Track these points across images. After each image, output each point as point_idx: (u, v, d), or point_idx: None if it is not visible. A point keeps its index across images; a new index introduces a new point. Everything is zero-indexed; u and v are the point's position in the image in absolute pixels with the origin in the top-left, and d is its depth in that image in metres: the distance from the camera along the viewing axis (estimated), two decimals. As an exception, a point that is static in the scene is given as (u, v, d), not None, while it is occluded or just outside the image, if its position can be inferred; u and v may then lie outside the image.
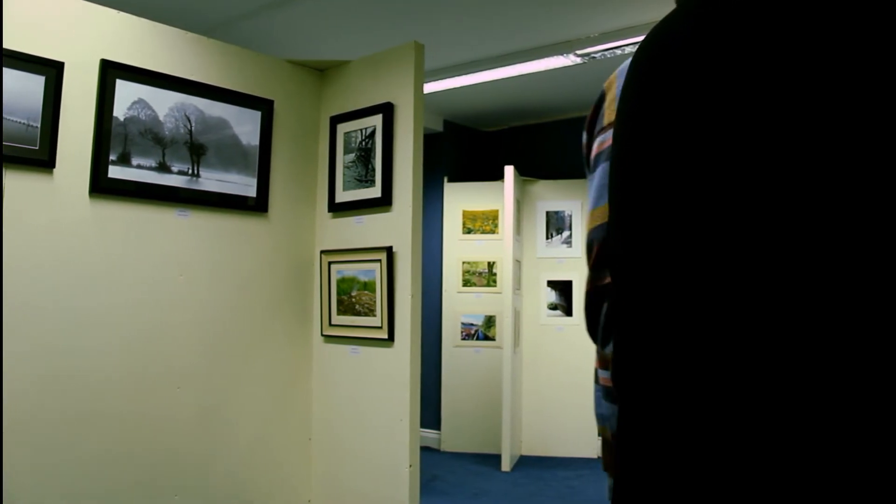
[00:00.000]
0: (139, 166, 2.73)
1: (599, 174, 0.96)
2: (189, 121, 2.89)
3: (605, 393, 0.97)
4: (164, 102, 2.81)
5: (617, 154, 0.72)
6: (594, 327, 0.96)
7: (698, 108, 0.59)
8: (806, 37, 0.51)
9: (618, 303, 0.72)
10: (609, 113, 0.98)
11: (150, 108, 2.76)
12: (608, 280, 0.91)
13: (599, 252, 0.93)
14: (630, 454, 0.69)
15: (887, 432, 0.46)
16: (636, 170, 0.68)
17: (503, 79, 5.20)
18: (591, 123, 1.03)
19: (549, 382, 5.98)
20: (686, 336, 0.59)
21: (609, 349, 0.91)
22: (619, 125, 0.73)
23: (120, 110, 2.68)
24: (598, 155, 0.98)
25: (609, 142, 0.95)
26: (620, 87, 0.98)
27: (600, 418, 1.01)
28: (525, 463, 5.81)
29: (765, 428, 0.53)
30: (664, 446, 0.63)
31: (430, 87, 5.29)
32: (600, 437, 1.03)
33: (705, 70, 0.59)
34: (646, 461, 0.66)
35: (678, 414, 0.61)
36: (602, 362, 0.97)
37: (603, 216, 0.93)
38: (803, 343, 0.50)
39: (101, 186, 2.62)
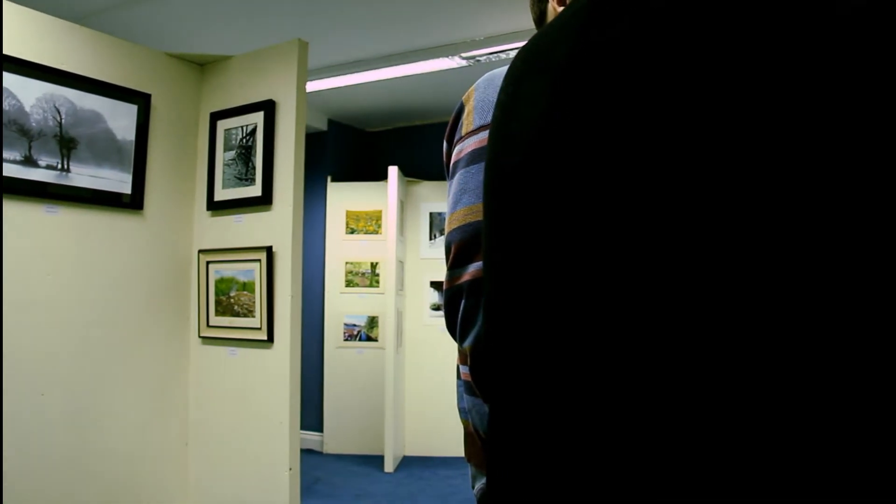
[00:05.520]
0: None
1: (457, 180, 1.03)
2: (59, 113, 2.76)
3: (466, 387, 1.01)
4: (30, 92, 2.67)
5: (489, 156, 0.75)
6: (453, 324, 1.01)
7: (563, 117, 0.61)
8: (688, 53, 0.53)
9: (488, 294, 0.75)
10: (467, 123, 1.04)
11: (14, 97, 2.62)
12: (465, 278, 0.96)
13: (457, 252, 0.99)
14: (499, 452, 0.71)
15: (743, 427, 0.49)
16: (505, 171, 0.70)
17: (388, 79, 5.20)
18: (451, 133, 1.10)
19: (433, 383, 6.02)
20: (557, 334, 0.61)
21: (467, 344, 0.95)
22: (492, 128, 0.76)
23: (-19, 100, 2.53)
24: (457, 163, 1.04)
25: (466, 150, 1.02)
26: (478, 100, 1.04)
27: (462, 412, 1.06)
28: (408, 463, 5.83)
29: (627, 426, 0.55)
30: (531, 444, 0.65)
31: (314, 86, 5.24)
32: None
33: (576, 77, 0.61)
34: (514, 459, 0.68)
35: (544, 411, 0.63)
36: (462, 358, 1.01)
37: (460, 219, 0.99)
38: (671, 344, 0.52)
39: (-40, 180, 2.48)
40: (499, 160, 0.72)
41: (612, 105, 0.57)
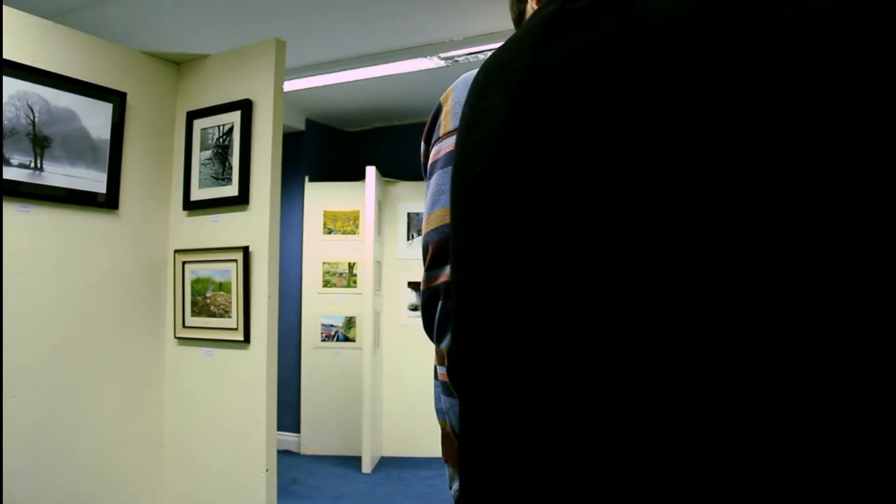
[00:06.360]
0: (-26, 158, 2.55)
1: (434, 181, 1.03)
2: (32, 111, 2.72)
3: (444, 388, 1.02)
4: (3, 90, 2.64)
5: (455, 164, 0.77)
6: (430, 325, 1.01)
7: (520, 130, 0.63)
8: (640, 80, 0.54)
9: (455, 299, 0.75)
10: (445, 124, 1.04)
11: (-13, 96, 2.59)
12: (443, 279, 0.96)
13: (434, 253, 0.99)
14: (471, 452, 0.71)
15: (714, 426, 0.49)
16: (468, 180, 0.72)
17: (367, 79, 5.19)
18: (429, 134, 1.10)
19: (410, 383, 6.01)
20: (524, 335, 0.61)
21: (444, 345, 0.96)
22: (458, 137, 0.77)
23: (-47, 97, 2.50)
24: (434, 163, 1.04)
25: (444, 151, 1.02)
26: (455, 100, 1.05)
27: (439, 412, 1.06)
28: (386, 464, 5.82)
29: (593, 425, 0.55)
30: (502, 445, 0.65)
31: (292, 85, 5.22)
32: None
33: (530, 92, 0.62)
34: (486, 459, 0.68)
35: (515, 412, 0.63)
36: (440, 358, 1.01)
37: (438, 220, 0.99)
38: (632, 344, 0.53)
39: (-69, 178, 2.44)
40: (463, 169, 0.74)
41: (564, 119, 0.58)
